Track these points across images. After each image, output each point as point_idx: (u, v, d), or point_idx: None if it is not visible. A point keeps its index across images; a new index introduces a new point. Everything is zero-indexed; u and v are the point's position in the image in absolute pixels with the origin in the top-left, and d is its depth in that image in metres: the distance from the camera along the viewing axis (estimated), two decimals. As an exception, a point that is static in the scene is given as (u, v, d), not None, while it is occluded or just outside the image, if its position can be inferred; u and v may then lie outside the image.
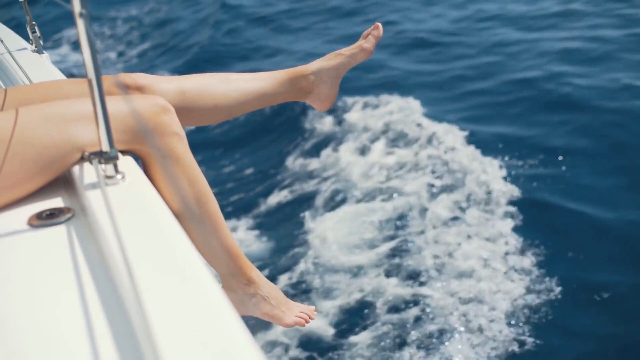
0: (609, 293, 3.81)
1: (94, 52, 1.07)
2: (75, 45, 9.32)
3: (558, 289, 3.88)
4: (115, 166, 1.14)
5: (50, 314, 0.90)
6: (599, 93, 5.78)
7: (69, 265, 1.00)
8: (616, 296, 3.80)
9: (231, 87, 1.71)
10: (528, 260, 4.14)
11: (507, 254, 4.22)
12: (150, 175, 1.39)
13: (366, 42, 1.79)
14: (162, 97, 1.43)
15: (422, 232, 4.51)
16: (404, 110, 6.07)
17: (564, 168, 4.94)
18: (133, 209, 1.05)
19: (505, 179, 4.93)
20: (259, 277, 1.61)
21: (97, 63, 1.07)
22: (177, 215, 1.43)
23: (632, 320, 3.65)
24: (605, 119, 5.41)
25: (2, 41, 2.17)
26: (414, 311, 3.87)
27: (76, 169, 1.23)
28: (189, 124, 1.53)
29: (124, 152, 1.31)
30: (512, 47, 7.06)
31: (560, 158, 5.04)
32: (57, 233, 1.09)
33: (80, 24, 1.05)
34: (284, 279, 4.30)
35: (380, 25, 1.79)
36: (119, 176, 1.14)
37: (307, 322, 1.68)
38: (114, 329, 0.86)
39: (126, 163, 1.21)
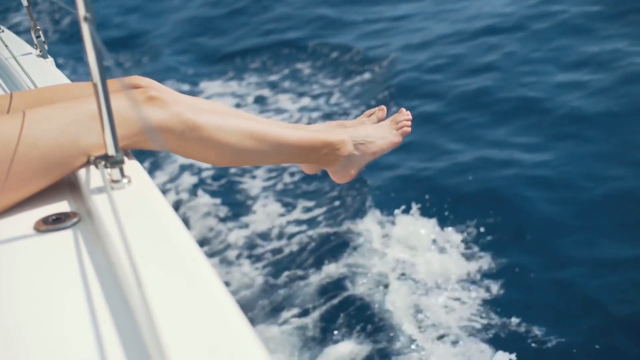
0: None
1: (99, 56, 1.07)
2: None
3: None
4: (122, 170, 1.14)
5: (56, 320, 0.90)
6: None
7: (76, 270, 1.00)
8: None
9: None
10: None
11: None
12: (189, 154, 1.37)
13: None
14: None
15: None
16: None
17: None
18: (139, 213, 1.05)
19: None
20: (343, 132, 1.59)
21: (102, 67, 1.07)
22: (240, 162, 1.43)
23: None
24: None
25: (6, 46, 2.18)
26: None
27: (82, 173, 1.23)
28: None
29: (127, 154, 1.31)
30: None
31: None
32: (64, 238, 1.09)
33: (85, 28, 1.05)
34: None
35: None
36: (125, 180, 1.13)
37: (409, 126, 1.67)
38: (122, 334, 0.86)
39: (132, 167, 1.21)
